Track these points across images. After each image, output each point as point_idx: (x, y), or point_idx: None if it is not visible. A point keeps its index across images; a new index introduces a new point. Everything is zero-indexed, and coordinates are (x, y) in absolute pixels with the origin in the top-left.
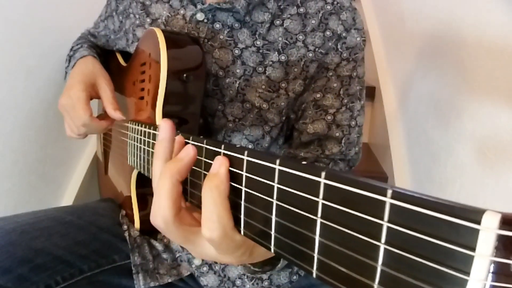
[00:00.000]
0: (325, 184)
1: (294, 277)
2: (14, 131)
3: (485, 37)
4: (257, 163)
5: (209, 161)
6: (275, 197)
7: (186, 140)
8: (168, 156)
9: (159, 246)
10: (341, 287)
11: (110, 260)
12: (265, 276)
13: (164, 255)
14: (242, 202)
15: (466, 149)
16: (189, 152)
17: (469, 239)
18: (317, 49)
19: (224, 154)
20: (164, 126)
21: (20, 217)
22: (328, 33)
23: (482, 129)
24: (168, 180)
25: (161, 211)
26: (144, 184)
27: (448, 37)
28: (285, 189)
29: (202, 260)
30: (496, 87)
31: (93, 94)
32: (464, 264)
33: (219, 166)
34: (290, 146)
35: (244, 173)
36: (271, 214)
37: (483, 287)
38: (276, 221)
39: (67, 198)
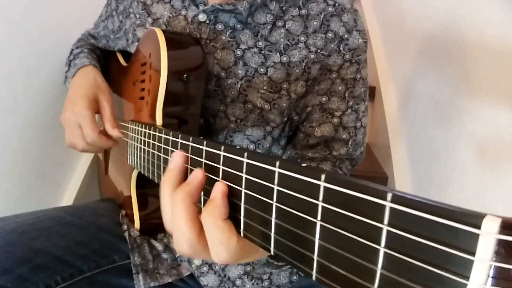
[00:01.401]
0: (325, 187)
1: (294, 277)
2: (14, 131)
3: (485, 37)
4: (257, 165)
5: (209, 163)
6: (275, 199)
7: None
8: (176, 185)
9: (159, 246)
10: None
11: (110, 260)
12: (265, 276)
13: (164, 255)
14: (242, 204)
15: (466, 149)
16: (197, 175)
17: (469, 244)
18: (319, 51)
19: (224, 156)
20: (176, 157)
21: (20, 217)
22: (330, 34)
23: (482, 129)
24: (181, 204)
25: (184, 236)
26: (144, 184)
27: (448, 37)
28: (285, 192)
29: (202, 260)
30: (496, 87)
31: (96, 109)
32: (464, 269)
33: (216, 192)
34: (294, 147)
35: (244, 175)
36: (271, 216)
37: None
38: (276, 223)
39: (67, 198)
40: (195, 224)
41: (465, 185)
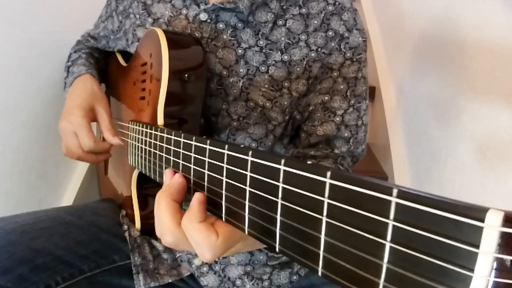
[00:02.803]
0: (330, 184)
1: (294, 277)
2: (14, 131)
3: (485, 37)
4: (261, 163)
5: (213, 161)
6: (280, 196)
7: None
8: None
9: (159, 246)
10: (346, 284)
11: (110, 260)
12: (265, 277)
13: (165, 255)
14: (247, 202)
15: (466, 149)
16: (177, 178)
17: (473, 237)
18: (319, 49)
19: (228, 155)
20: (168, 176)
21: (20, 217)
22: (330, 33)
23: (482, 129)
24: (163, 201)
25: (166, 226)
26: (145, 184)
27: (448, 37)
28: (290, 189)
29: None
30: (496, 87)
31: (92, 118)
32: (469, 261)
33: (193, 200)
34: (295, 146)
35: (248, 173)
36: (276, 213)
37: (487, 283)
38: (281, 220)
39: (67, 198)
40: (175, 217)
41: (465, 185)
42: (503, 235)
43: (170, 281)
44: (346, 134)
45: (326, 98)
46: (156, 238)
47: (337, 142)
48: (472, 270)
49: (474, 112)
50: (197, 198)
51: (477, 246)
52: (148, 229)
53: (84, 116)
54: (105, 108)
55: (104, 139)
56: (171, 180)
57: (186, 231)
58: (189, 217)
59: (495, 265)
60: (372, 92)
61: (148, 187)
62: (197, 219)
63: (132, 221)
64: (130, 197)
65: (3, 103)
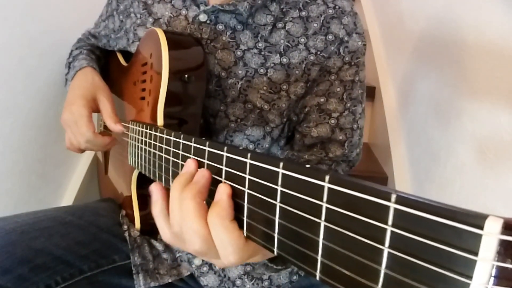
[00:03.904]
0: (329, 188)
1: (294, 277)
2: (14, 131)
3: (485, 37)
4: (260, 166)
5: (212, 163)
6: (278, 199)
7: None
8: (185, 187)
9: (159, 246)
10: None
11: (110, 260)
12: (265, 276)
13: (164, 255)
14: (245, 204)
15: (466, 149)
16: (204, 174)
17: (472, 244)
18: (318, 53)
19: (227, 157)
20: (190, 165)
21: (20, 217)
22: (330, 37)
23: (482, 129)
24: (191, 201)
25: (197, 233)
26: (145, 184)
27: (448, 37)
28: (288, 192)
29: (202, 260)
30: (496, 87)
31: (94, 108)
32: (467, 268)
33: (221, 194)
34: (291, 148)
35: (247, 176)
36: (275, 216)
37: None
38: (279, 223)
39: (67, 198)
40: (206, 221)
41: (465, 185)
42: (502, 243)
43: (170, 281)
44: (340, 137)
45: (322, 100)
46: (156, 238)
47: (332, 145)
48: (470, 278)
49: (474, 112)
50: (226, 191)
51: (476, 254)
52: (148, 229)
53: (85, 105)
54: (107, 97)
55: (103, 132)
56: (197, 177)
57: (213, 229)
58: (220, 213)
59: (493, 272)
60: (372, 92)
61: (148, 187)
62: (229, 217)
63: (132, 221)
64: (130, 197)
65: (3, 103)
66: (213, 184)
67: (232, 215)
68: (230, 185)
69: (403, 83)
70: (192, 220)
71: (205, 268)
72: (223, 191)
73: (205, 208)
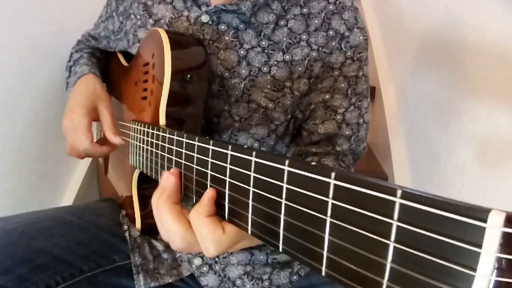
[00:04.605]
0: (335, 184)
1: (294, 277)
2: (14, 131)
3: (485, 37)
4: (265, 164)
5: (216, 162)
6: (284, 197)
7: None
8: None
9: (159, 246)
10: (350, 284)
11: (110, 260)
12: (265, 277)
13: (165, 255)
14: (250, 202)
15: (466, 149)
16: (169, 179)
17: (476, 237)
18: (320, 49)
19: (232, 155)
20: (166, 179)
21: (20, 217)
22: (331, 32)
23: (482, 129)
24: (164, 206)
25: (175, 234)
26: (145, 184)
27: (448, 37)
28: (294, 189)
29: (202, 260)
30: (496, 87)
31: (94, 117)
32: (471, 261)
33: (204, 195)
34: (297, 145)
35: (252, 174)
36: (280, 213)
37: (489, 282)
38: (285, 220)
39: (67, 198)
40: (182, 220)
41: (465, 185)
42: (505, 235)
43: (170, 281)
44: (347, 132)
45: (327, 96)
46: (157, 238)
47: (339, 140)
48: (474, 270)
49: (474, 112)
50: (208, 193)
51: (480, 246)
52: (148, 229)
53: (85, 114)
54: (108, 108)
55: (102, 140)
56: (164, 183)
57: (193, 224)
58: (198, 210)
59: (496, 264)
60: (372, 92)
61: (149, 187)
62: (205, 213)
63: (132, 221)
64: (130, 197)
65: (3, 103)
66: (219, 184)
67: (209, 212)
68: (234, 183)
69: (403, 83)
70: (169, 223)
71: (205, 268)
72: (206, 193)
73: (178, 210)
